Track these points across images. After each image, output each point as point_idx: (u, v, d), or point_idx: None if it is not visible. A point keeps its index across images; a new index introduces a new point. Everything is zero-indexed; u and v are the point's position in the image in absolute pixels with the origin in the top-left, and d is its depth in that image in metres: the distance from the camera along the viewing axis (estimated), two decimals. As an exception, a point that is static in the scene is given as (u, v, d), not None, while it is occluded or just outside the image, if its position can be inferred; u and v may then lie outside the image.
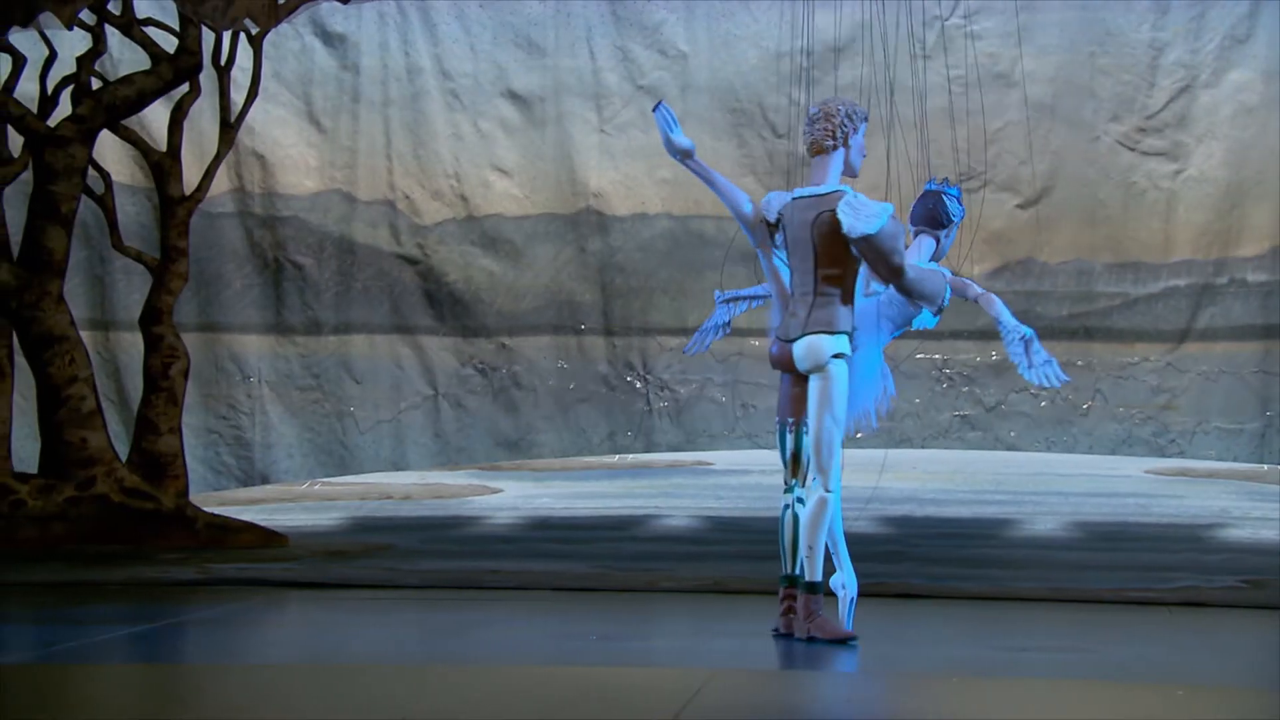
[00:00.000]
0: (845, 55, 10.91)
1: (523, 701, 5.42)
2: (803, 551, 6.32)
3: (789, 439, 6.42)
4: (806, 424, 6.36)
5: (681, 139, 6.41)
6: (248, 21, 10.02)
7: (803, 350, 6.37)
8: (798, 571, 6.36)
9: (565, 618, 7.46)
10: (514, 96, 11.82)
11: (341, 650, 6.70)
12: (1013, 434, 11.67)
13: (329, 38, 11.75)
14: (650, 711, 5.24)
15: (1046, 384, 6.47)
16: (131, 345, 10.99)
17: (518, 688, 5.67)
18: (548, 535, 10.15)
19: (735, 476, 11.93)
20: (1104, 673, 6.12)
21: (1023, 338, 6.48)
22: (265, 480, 11.67)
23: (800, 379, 6.42)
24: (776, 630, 6.50)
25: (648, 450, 11.98)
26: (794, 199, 6.47)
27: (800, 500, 6.39)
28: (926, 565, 8.77)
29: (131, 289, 11.24)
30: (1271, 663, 6.38)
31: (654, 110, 6.43)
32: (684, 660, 6.29)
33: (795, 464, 6.42)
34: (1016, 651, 6.52)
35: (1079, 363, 11.58)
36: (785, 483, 6.45)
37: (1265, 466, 11.52)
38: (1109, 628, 7.25)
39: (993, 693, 5.76)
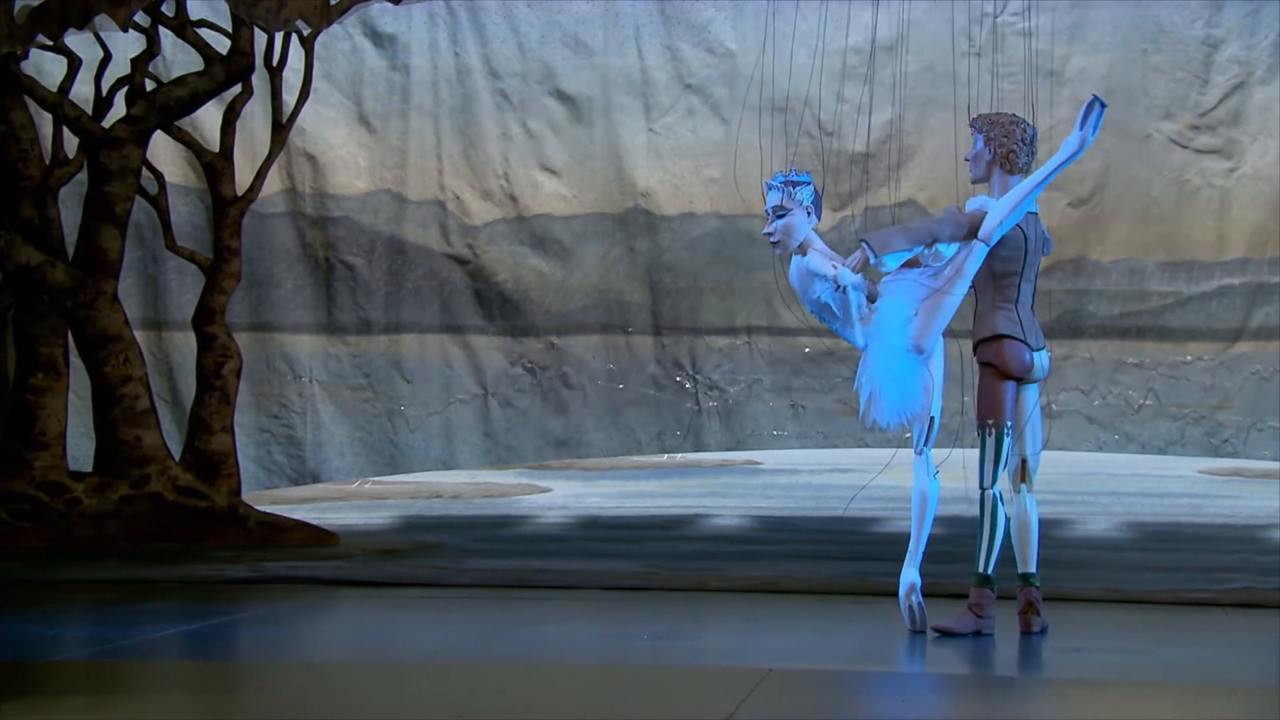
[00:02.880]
0: (894, 53, 10.85)
1: (574, 700, 5.42)
2: (1028, 550, 6.67)
3: (1007, 443, 6.60)
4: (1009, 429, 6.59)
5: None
6: (299, 22, 10.07)
7: (1048, 359, 6.70)
8: (1026, 569, 6.65)
9: (615, 617, 7.46)
10: (562, 96, 11.82)
11: (393, 648, 6.73)
12: (1064, 434, 11.57)
13: (379, 38, 11.79)
14: (704, 711, 5.23)
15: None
16: (184, 345, 11.07)
17: (569, 687, 5.67)
18: (597, 534, 10.14)
19: (785, 476, 11.88)
20: (1159, 674, 6.07)
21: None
22: (316, 479, 11.72)
23: (1016, 385, 6.63)
24: (946, 630, 6.54)
25: (697, 450, 11.95)
26: (1027, 214, 6.71)
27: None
28: (978, 565, 8.69)
29: (184, 289, 11.32)
30: (1330, 665, 6.31)
31: (1100, 106, 6.40)
32: (736, 659, 6.28)
33: (1002, 467, 6.61)
34: (1070, 653, 6.47)
35: (1132, 362, 11.48)
36: (986, 485, 6.60)
37: (1321, 467, 11.38)
38: (1163, 629, 7.19)
39: (1047, 694, 5.72)
